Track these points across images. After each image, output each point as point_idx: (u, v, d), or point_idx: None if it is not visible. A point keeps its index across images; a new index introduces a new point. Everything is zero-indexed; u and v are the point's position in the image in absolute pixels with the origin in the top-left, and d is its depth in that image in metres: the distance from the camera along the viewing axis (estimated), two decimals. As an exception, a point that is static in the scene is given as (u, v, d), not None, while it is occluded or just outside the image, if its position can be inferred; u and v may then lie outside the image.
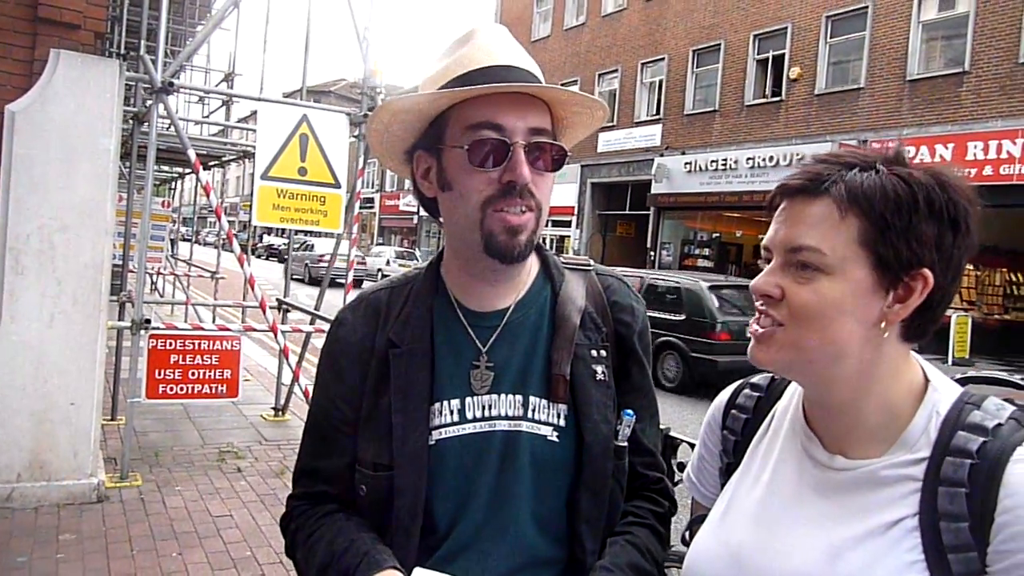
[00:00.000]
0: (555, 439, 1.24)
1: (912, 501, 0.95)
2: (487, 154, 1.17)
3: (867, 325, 0.97)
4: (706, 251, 24.12)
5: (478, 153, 1.17)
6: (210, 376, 5.63)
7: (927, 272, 0.95)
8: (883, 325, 0.97)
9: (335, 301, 7.10)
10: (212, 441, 6.41)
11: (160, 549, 4.27)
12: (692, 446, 2.41)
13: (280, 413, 7.36)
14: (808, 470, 1.06)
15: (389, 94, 6.83)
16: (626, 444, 1.28)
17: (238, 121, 11.72)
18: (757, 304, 1.04)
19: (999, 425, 0.94)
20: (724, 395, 1.29)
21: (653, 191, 23.81)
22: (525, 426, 1.24)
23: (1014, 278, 19.28)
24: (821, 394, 1.05)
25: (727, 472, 1.21)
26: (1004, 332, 17.42)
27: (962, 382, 1.14)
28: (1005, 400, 1.01)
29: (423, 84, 1.25)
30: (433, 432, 1.23)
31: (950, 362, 12.94)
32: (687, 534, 1.33)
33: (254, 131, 7.40)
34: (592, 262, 1.42)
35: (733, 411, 1.24)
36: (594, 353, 1.28)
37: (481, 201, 1.18)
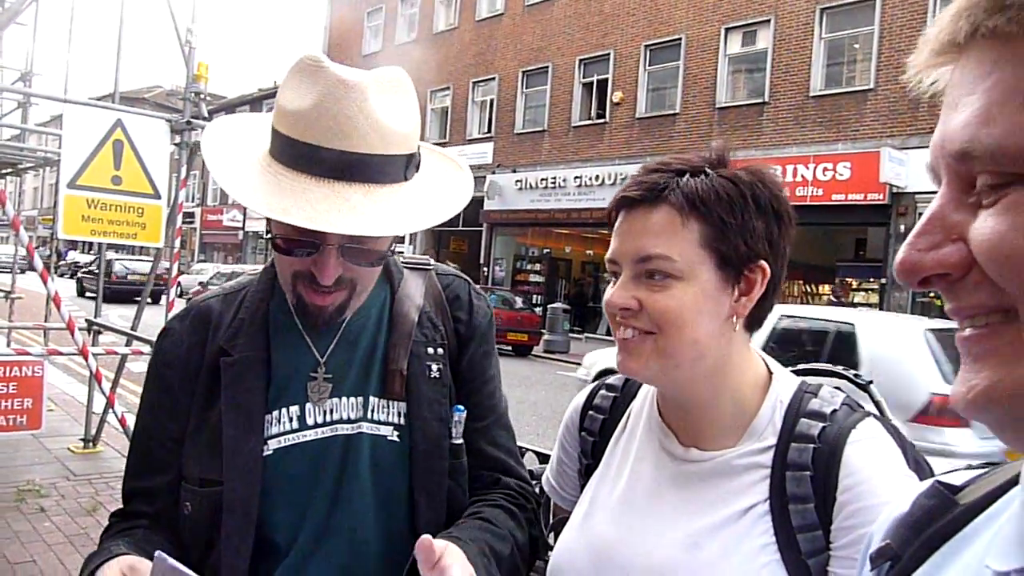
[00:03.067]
0: (395, 438, 1.23)
1: (762, 488, 1.00)
2: (294, 250, 1.13)
3: (719, 321, 1.03)
4: (537, 266, 24.82)
5: (285, 247, 1.13)
6: (7, 407, 5.02)
7: (764, 264, 1.03)
8: (734, 319, 1.03)
9: (153, 321, 6.58)
10: (8, 480, 5.70)
11: (-55, 606, 3.75)
12: (537, 454, 2.46)
13: (91, 444, 6.71)
14: (665, 464, 1.09)
15: (213, 102, 6.48)
16: (461, 442, 1.26)
17: (37, 125, 10.63)
18: (616, 318, 1.05)
19: (835, 411, 1.02)
20: (580, 397, 1.30)
21: (485, 207, 24.19)
22: (365, 427, 1.22)
23: (809, 288, 21.41)
24: (683, 395, 1.08)
25: (586, 473, 1.23)
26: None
27: (796, 374, 1.23)
28: (836, 388, 1.10)
29: (275, 103, 1.16)
30: (270, 441, 1.19)
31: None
32: (551, 537, 1.34)
33: (56, 136, 6.73)
34: (432, 261, 1.41)
35: (590, 412, 1.25)
36: (430, 351, 1.28)
37: (291, 273, 1.16)
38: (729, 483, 1.03)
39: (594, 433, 1.23)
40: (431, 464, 1.22)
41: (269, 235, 1.15)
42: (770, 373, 1.09)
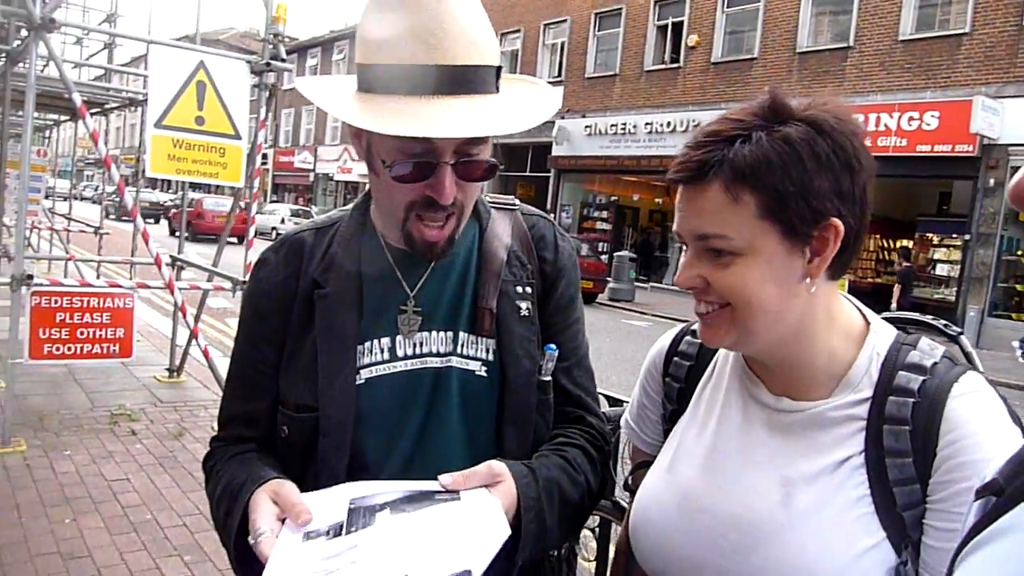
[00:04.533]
0: (483, 374, 1.25)
1: (858, 440, 0.99)
2: (411, 174, 1.13)
3: (793, 284, 0.99)
4: (604, 214, 24.61)
5: (401, 173, 1.13)
6: (101, 335, 5.33)
7: (836, 221, 0.96)
8: (808, 280, 0.99)
9: (231, 260, 6.81)
10: (102, 404, 6.09)
11: (52, 515, 4.06)
12: (607, 398, 2.47)
13: (175, 374, 7.08)
14: (755, 413, 1.08)
15: (288, 44, 6.53)
16: (550, 379, 1.29)
17: (122, 66, 10.94)
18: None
19: (935, 364, 0.99)
20: (664, 342, 1.29)
21: (553, 153, 24.00)
22: (455, 361, 1.25)
23: (886, 244, 20.68)
24: (772, 358, 1.07)
25: (671, 419, 1.23)
26: (875, 294, 18.68)
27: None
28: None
29: (357, 42, 1.16)
30: (362, 371, 1.22)
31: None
32: (630, 479, 1.34)
33: (138, 77, 6.91)
34: (518, 202, 1.41)
35: (675, 358, 1.24)
36: (519, 289, 1.29)
37: (404, 204, 1.16)
38: (824, 435, 1.01)
39: (680, 379, 1.22)
40: (521, 399, 1.25)
41: (386, 166, 1.14)
42: (867, 323, 1.07)
